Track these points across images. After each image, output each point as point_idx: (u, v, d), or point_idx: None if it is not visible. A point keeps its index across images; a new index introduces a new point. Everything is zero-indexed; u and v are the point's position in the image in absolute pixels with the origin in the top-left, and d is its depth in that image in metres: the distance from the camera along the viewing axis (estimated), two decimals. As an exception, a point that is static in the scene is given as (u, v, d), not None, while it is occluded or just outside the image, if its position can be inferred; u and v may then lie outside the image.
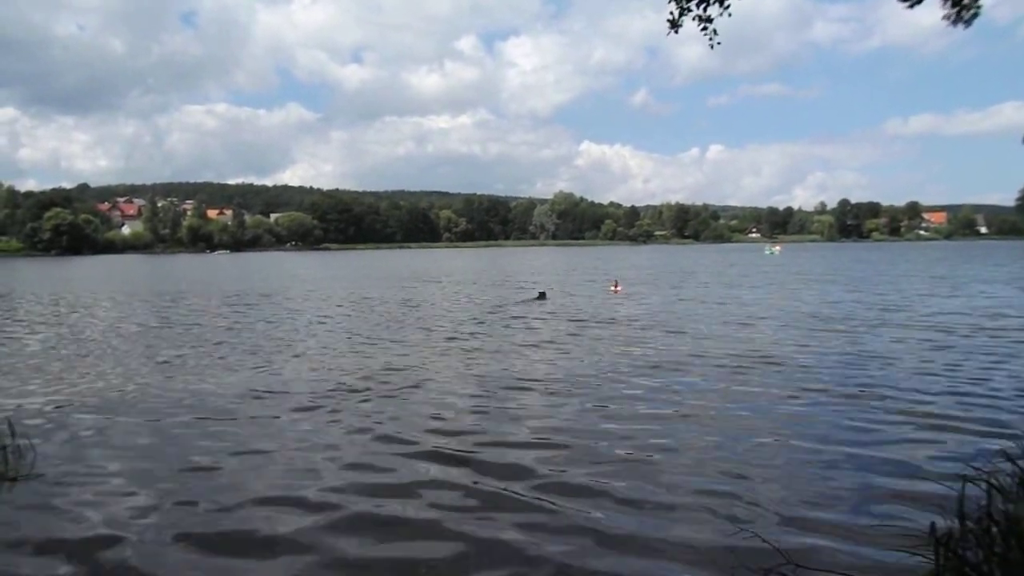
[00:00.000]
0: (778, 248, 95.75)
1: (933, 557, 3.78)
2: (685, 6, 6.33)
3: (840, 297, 23.48)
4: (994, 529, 3.74)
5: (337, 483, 5.94)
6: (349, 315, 20.10)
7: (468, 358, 12.10)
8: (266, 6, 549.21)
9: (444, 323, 17.41)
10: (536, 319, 17.90)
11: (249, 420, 8.07)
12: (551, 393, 9.25)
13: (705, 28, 6.34)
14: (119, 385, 10.14)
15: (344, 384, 9.94)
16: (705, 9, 6.32)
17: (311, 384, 10.03)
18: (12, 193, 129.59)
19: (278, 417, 8.20)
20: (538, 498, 5.56)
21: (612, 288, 27.14)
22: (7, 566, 4.57)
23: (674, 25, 6.40)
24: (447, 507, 5.42)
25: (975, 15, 5.97)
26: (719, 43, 6.47)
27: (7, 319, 19.99)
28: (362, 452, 6.82)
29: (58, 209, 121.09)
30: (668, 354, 12.15)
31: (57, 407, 8.82)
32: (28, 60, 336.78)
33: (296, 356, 12.60)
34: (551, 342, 13.83)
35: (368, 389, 9.60)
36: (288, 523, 5.16)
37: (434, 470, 6.25)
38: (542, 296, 24.08)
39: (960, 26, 6.13)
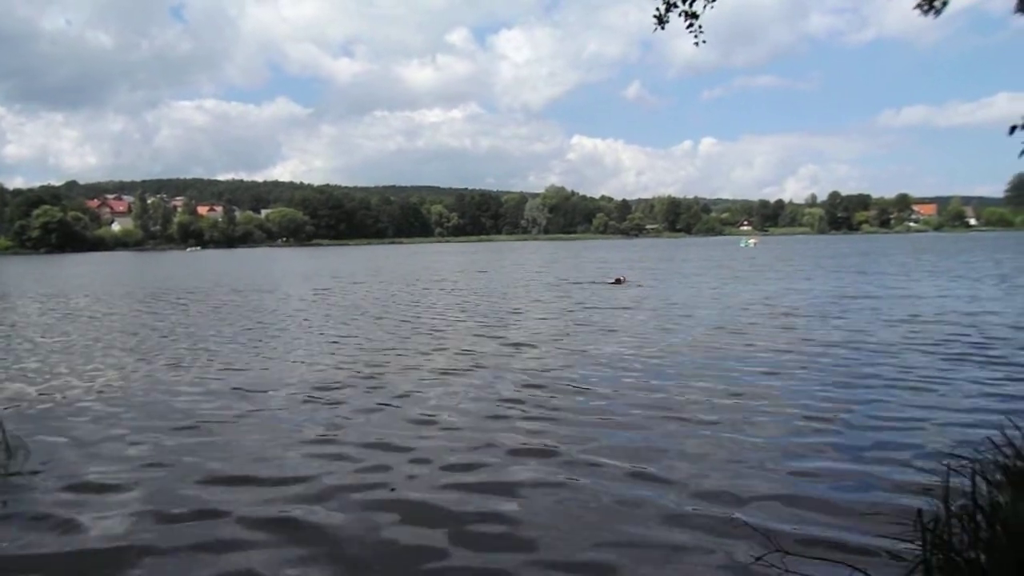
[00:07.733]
0: (754, 241, 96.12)
1: (920, 543, 3.84)
2: (671, 1, 6.28)
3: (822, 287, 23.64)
4: (979, 515, 3.79)
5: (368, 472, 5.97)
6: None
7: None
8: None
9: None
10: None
11: (280, 411, 8.10)
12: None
13: (691, 25, 6.31)
14: (111, 382, 10.12)
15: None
16: (691, 4, 6.27)
17: (308, 380, 10.07)
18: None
19: (306, 404, 8.42)
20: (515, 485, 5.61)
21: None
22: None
23: (660, 21, 6.35)
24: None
25: (944, 3, 6.05)
26: (704, 41, 6.43)
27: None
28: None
29: (47, 207, 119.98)
30: (665, 347, 12.24)
31: (50, 404, 8.80)
32: (15, 55, 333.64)
33: (290, 354, 12.63)
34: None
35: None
36: (296, 510, 5.17)
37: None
38: (618, 281, 26.58)
39: (931, 15, 6.21)
